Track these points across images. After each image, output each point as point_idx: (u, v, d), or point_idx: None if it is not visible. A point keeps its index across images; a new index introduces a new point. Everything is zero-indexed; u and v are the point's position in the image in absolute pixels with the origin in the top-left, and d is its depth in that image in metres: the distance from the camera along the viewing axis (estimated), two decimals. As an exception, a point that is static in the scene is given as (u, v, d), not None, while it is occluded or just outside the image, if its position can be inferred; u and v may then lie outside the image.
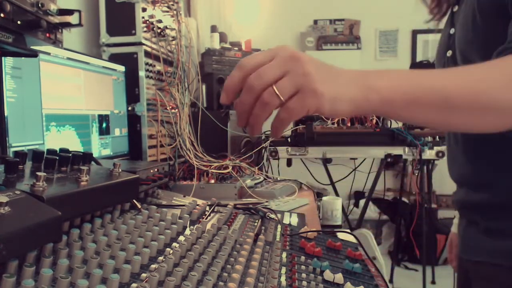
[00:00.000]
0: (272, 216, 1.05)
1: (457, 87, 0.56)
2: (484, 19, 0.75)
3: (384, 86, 0.55)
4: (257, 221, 0.99)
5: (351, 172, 2.58)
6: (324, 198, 1.54)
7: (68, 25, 0.89)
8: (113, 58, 1.66)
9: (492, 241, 0.80)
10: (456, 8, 0.87)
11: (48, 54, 1.16)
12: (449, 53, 0.86)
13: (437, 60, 0.95)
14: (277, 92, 0.52)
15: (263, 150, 2.09)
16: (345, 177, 2.62)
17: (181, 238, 0.76)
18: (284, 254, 0.80)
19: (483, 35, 0.75)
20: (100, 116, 1.45)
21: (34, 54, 0.91)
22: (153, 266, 0.60)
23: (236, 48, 2.67)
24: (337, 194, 2.73)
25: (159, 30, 1.79)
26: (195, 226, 0.80)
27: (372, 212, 3.79)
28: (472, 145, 0.85)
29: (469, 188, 0.87)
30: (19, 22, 0.74)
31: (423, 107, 0.57)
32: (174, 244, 0.72)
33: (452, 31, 0.87)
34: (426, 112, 0.57)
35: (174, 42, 1.87)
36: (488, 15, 0.74)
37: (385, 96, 0.55)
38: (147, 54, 1.72)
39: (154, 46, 1.77)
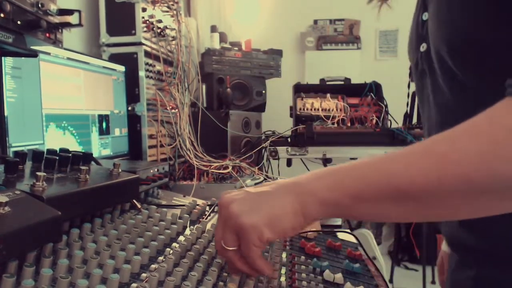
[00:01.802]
0: (272, 216, 1.05)
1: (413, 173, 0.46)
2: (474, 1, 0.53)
3: (320, 187, 0.51)
4: (257, 221, 0.99)
5: (351, 172, 2.58)
6: (324, 198, 1.53)
7: (68, 25, 0.89)
8: (113, 58, 1.66)
9: None
10: None
11: (48, 54, 1.16)
12: (423, 47, 0.65)
13: (409, 55, 0.73)
14: (226, 247, 0.56)
15: (263, 150, 2.09)
16: (345, 177, 2.61)
17: (181, 238, 0.76)
18: (284, 254, 0.80)
19: (470, 26, 0.54)
20: (100, 116, 1.45)
21: (34, 54, 0.91)
22: (153, 266, 0.60)
23: (236, 48, 2.67)
24: (337, 194, 2.72)
25: (159, 30, 1.79)
26: (195, 226, 0.80)
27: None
28: None
29: (462, 225, 0.66)
30: (19, 22, 0.74)
31: (374, 201, 0.49)
32: (174, 244, 0.72)
33: (425, 16, 0.64)
34: (381, 207, 0.49)
35: (174, 42, 1.87)
36: None
37: (324, 197, 0.51)
38: (147, 54, 1.72)
39: (154, 46, 1.77)
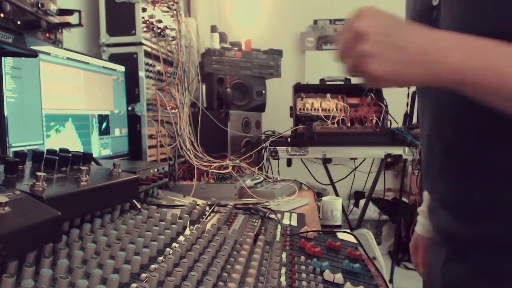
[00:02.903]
0: (272, 216, 1.05)
1: None
2: None
3: (469, 72, 0.51)
4: (257, 221, 0.99)
5: (351, 172, 2.58)
6: (324, 198, 1.54)
7: (68, 25, 0.89)
8: (113, 58, 1.66)
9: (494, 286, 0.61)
10: None
11: (48, 54, 1.16)
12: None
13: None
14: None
15: (263, 150, 2.09)
16: (345, 177, 2.62)
17: (181, 238, 0.76)
18: (284, 254, 0.80)
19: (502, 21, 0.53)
20: (100, 116, 1.45)
21: (34, 54, 0.91)
22: (153, 266, 0.60)
23: (236, 48, 2.67)
24: (337, 194, 2.73)
25: (159, 30, 1.79)
26: (195, 226, 0.80)
27: (372, 212, 3.79)
28: (461, 155, 0.63)
29: (456, 215, 0.66)
30: (19, 22, 0.74)
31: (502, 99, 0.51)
32: (174, 244, 0.72)
33: (435, 1, 0.63)
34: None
35: (174, 42, 1.87)
36: None
37: (460, 80, 0.51)
38: (147, 54, 1.72)
39: (154, 46, 1.77)
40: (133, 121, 1.68)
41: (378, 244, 3.64)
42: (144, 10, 1.68)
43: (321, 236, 0.97)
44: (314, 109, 2.19)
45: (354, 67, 0.55)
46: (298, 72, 3.97)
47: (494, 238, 0.61)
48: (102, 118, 1.47)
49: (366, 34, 0.53)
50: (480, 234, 0.62)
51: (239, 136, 2.29)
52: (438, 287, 0.74)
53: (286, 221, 1.08)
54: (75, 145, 1.29)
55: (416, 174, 2.52)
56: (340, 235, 1.04)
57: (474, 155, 0.60)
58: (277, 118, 2.74)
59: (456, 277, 0.66)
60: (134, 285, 0.53)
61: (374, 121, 2.15)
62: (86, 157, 0.86)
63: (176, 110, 1.80)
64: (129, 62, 1.67)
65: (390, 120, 2.21)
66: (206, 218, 0.94)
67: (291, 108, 2.22)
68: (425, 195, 0.97)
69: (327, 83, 2.37)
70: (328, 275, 0.72)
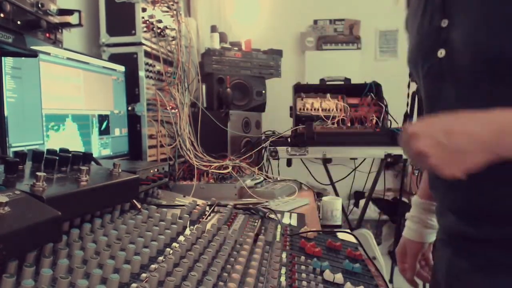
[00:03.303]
0: (272, 216, 1.05)
1: None
2: None
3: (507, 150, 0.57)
4: (257, 221, 0.99)
5: (351, 172, 2.58)
6: (324, 198, 1.54)
7: (68, 25, 0.89)
8: (113, 58, 1.66)
9: (495, 280, 0.67)
10: None
11: (48, 54, 1.16)
12: (441, 53, 0.68)
13: (413, 59, 0.76)
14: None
15: (263, 150, 2.09)
16: (345, 177, 2.61)
17: (181, 238, 0.76)
18: (284, 254, 0.80)
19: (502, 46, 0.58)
20: (100, 116, 1.45)
21: (34, 54, 0.91)
22: (153, 266, 0.60)
23: (236, 48, 2.67)
24: (337, 194, 2.73)
25: (159, 30, 1.79)
26: (195, 226, 0.80)
27: (372, 212, 3.79)
28: None
29: (461, 218, 0.72)
30: (19, 22, 0.74)
31: None
32: (174, 244, 0.72)
33: (444, 23, 0.68)
34: None
35: (174, 42, 1.87)
36: None
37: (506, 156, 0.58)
38: (147, 54, 1.72)
39: (154, 46, 1.77)
40: (133, 121, 1.68)
41: (378, 244, 3.64)
42: (144, 10, 1.68)
43: (321, 236, 0.97)
44: (314, 109, 2.19)
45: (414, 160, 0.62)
46: (298, 72, 3.96)
47: (495, 237, 0.67)
48: (102, 118, 1.47)
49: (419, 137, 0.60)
50: (482, 234, 0.68)
51: (239, 136, 2.29)
52: (443, 282, 0.79)
53: (286, 221, 1.08)
54: (75, 145, 1.29)
55: (416, 174, 2.52)
56: (340, 235, 1.04)
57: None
58: (277, 118, 2.74)
59: (460, 272, 0.72)
60: (134, 285, 0.53)
61: (374, 121, 2.15)
62: (86, 157, 0.86)
63: (176, 110, 1.80)
64: (129, 62, 1.67)
65: (390, 120, 2.21)
66: (206, 218, 0.94)
67: (291, 108, 2.22)
68: (414, 200, 1.01)
69: (327, 83, 2.37)
70: (328, 275, 0.72)
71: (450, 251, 0.77)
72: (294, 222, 1.10)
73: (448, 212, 0.76)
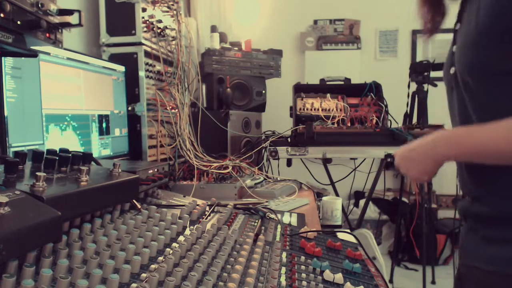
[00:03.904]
0: (272, 216, 1.05)
1: (505, 142, 0.73)
2: (484, 42, 0.77)
3: (452, 155, 0.83)
4: (257, 221, 0.99)
5: (351, 172, 2.58)
6: (324, 198, 1.54)
7: (68, 25, 0.89)
8: (113, 58, 1.66)
9: (490, 248, 0.82)
10: (458, 26, 0.89)
11: (48, 54, 1.16)
12: (452, 70, 0.88)
13: (444, 74, 0.99)
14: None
15: (263, 150, 2.09)
16: (345, 177, 2.61)
17: (181, 238, 0.76)
18: (284, 254, 0.80)
19: (481, 58, 0.79)
20: (100, 116, 1.45)
21: (34, 54, 0.91)
22: (153, 266, 0.60)
23: (236, 48, 2.67)
24: (337, 194, 2.73)
25: (159, 30, 1.79)
26: (195, 226, 0.80)
27: (372, 212, 3.79)
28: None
29: (470, 198, 0.90)
30: (19, 22, 0.74)
31: (482, 160, 0.79)
32: (174, 244, 0.72)
33: (454, 48, 0.89)
34: (485, 161, 0.78)
35: (174, 42, 1.87)
36: (490, 39, 0.77)
37: (452, 159, 0.84)
38: (147, 54, 1.72)
39: (154, 46, 1.77)
40: (133, 121, 1.68)
41: (378, 244, 3.64)
42: (144, 10, 1.68)
43: (321, 236, 0.98)
44: (314, 109, 2.19)
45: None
46: (298, 72, 3.97)
47: (500, 215, 0.82)
48: (102, 118, 1.47)
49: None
50: (490, 213, 0.84)
51: (239, 136, 2.29)
52: (459, 252, 0.96)
53: (286, 221, 1.08)
54: (75, 145, 1.29)
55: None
56: (340, 235, 1.04)
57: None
58: (277, 118, 2.74)
59: (472, 244, 0.87)
60: (134, 285, 0.53)
61: (374, 121, 2.15)
62: (86, 157, 0.86)
63: (176, 110, 1.80)
64: (129, 62, 1.67)
65: (390, 120, 2.21)
66: (206, 218, 0.94)
67: (291, 108, 2.22)
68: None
69: (327, 83, 2.37)
70: (328, 275, 0.72)
71: (465, 228, 0.93)
72: (294, 222, 1.10)
73: (464, 196, 0.95)
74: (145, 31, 1.69)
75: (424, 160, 0.85)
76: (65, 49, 1.15)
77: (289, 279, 0.69)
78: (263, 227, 0.92)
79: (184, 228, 0.83)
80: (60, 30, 0.89)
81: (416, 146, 0.88)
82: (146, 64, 1.71)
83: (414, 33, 3.98)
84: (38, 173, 0.62)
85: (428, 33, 0.98)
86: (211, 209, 1.01)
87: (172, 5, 1.87)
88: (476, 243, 0.86)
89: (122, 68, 1.64)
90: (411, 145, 0.89)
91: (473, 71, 0.81)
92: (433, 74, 2.91)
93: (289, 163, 2.16)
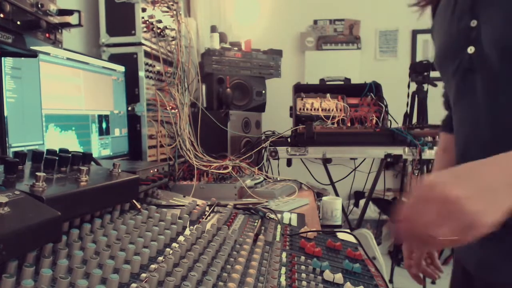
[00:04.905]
0: (272, 216, 1.05)
1: None
2: None
3: None
4: (257, 221, 0.99)
5: (351, 172, 2.58)
6: (324, 198, 1.54)
7: (67, 25, 0.89)
8: (113, 58, 1.66)
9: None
10: None
11: (48, 54, 1.16)
12: (471, 49, 0.73)
13: (442, 58, 0.82)
14: (441, 239, 0.55)
15: (263, 150, 2.09)
16: (345, 177, 2.62)
17: (181, 238, 0.76)
18: (284, 254, 0.80)
19: None
20: (100, 116, 1.45)
21: (33, 54, 0.91)
22: (152, 266, 0.60)
23: (236, 48, 2.67)
24: (337, 194, 2.73)
25: (159, 30, 1.79)
26: (195, 226, 0.80)
27: (372, 212, 3.79)
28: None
29: None
30: (18, 23, 0.74)
31: None
32: (174, 244, 0.72)
33: (473, 23, 0.74)
34: None
35: (174, 42, 1.87)
36: None
37: None
38: (147, 54, 1.72)
39: (154, 46, 1.77)
40: (133, 121, 1.68)
41: (378, 244, 3.64)
42: (144, 10, 1.68)
43: (321, 236, 0.98)
44: (314, 109, 2.19)
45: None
46: (298, 72, 3.97)
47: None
48: (102, 118, 1.47)
49: (454, 198, 0.55)
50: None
51: (239, 136, 2.29)
52: (473, 269, 0.80)
53: (286, 221, 1.08)
54: (75, 145, 1.29)
55: (416, 174, 2.52)
56: (340, 235, 1.04)
57: None
58: (277, 118, 2.74)
59: (496, 256, 0.72)
60: (134, 285, 0.53)
61: (374, 121, 2.15)
62: (86, 157, 0.86)
63: (176, 110, 1.80)
64: (129, 62, 1.67)
65: (390, 120, 2.21)
66: (206, 218, 0.94)
67: (291, 108, 2.22)
68: None
69: (327, 83, 2.37)
70: (328, 275, 0.72)
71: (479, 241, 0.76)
72: (294, 222, 1.10)
73: None
74: (145, 31, 1.69)
75: (497, 195, 0.54)
76: (65, 49, 1.15)
77: (289, 279, 0.69)
78: (263, 227, 0.92)
79: (184, 228, 0.83)
80: (60, 30, 0.89)
81: (484, 180, 0.56)
82: (146, 64, 1.71)
83: (414, 33, 3.98)
84: (38, 173, 0.62)
85: (422, 2, 0.86)
86: (211, 209, 1.01)
87: (172, 5, 1.87)
88: (500, 256, 0.71)
89: (122, 68, 1.64)
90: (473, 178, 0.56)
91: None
92: (433, 74, 2.91)
93: (289, 163, 2.16)
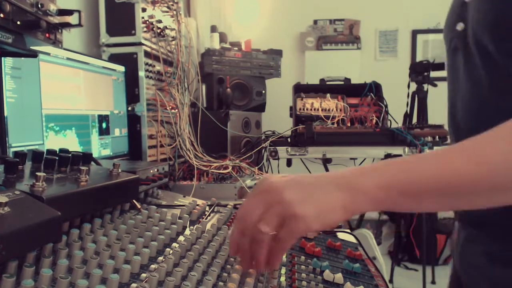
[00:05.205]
0: (272, 216, 1.05)
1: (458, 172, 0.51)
2: None
3: (370, 185, 0.53)
4: (257, 221, 0.99)
5: (351, 172, 2.58)
6: (324, 198, 1.53)
7: (67, 25, 0.89)
8: (113, 58, 1.66)
9: (496, 269, 0.65)
10: None
11: (48, 54, 1.16)
12: (460, 26, 0.69)
13: (444, 33, 0.78)
14: (264, 230, 0.56)
15: (263, 150, 2.09)
16: (345, 177, 2.61)
17: (181, 238, 0.76)
18: (284, 254, 0.80)
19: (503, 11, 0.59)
20: (100, 116, 1.45)
21: (33, 54, 0.91)
22: (153, 266, 0.60)
23: (236, 48, 2.67)
24: (337, 194, 2.72)
25: (159, 30, 1.79)
26: (195, 226, 0.80)
27: (372, 212, 3.79)
28: None
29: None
30: (18, 23, 0.74)
31: (424, 198, 0.53)
32: (174, 244, 0.72)
33: None
34: (428, 202, 0.54)
35: (174, 42, 1.87)
36: None
37: (375, 195, 0.53)
38: (147, 54, 1.72)
39: (154, 46, 1.77)
40: (133, 121, 1.68)
41: (378, 244, 3.64)
42: (144, 10, 1.68)
43: (321, 236, 0.97)
44: (314, 109, 2.19)
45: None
46: (298, 72, 3.97)
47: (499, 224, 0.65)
48: (102, 118, 1.47)
49: (276, 185, 0.57)
50: (496, 220, 0.65)
51: (239, 136, 2.29)
52: (457, 256, 0.78)
53: (286, 221, 1.08)
54: (75, 145, 1.29)
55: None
56: (340, 235, 1.04)
57: None
58: (277, 118, 2.74)
59: (472, 256, 0.71)
60: (134, 285, 0.53)
61: (374, 121, 2.15)
62: (86, 157, 0.86)
63: (176, 110, 1.80)
64: (129, 62, 1.67)
65: (390, 120, 2.21)
66: (206, 218, 0.94)
67: (291, 108, 2.22)
68: None
69: (327, 83, 2.37)
70: (328, 275, 0.72)
71: (462, 238, 0.75)
72: (294, 222, 1.10)
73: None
74: (145, 31, 1.69)
75: (326, 193, 0.54)
76: (65, 49, 1.15)
77: (289, 279, 0.69)
78: (263, 227, 0.92)
79: (184, 228, 0.83)
80: (60, 30, 0.89)
81: (316, 180, 0.57)
82: (146, 64, 1.71)
83: (414, 33, 3.97)
84: (38, 173, 0.62)
85: None
86: (211, 209, 1.01)
87: (172, 5, 1.87)
88: (477, 257, 0.69)
89: (122, 68, 1.64)
90: (298, 179, 0.57)
91: (499, 31, 0.60)
92: (433, 74, 2.91)
93: (289, 163, 2.15)
